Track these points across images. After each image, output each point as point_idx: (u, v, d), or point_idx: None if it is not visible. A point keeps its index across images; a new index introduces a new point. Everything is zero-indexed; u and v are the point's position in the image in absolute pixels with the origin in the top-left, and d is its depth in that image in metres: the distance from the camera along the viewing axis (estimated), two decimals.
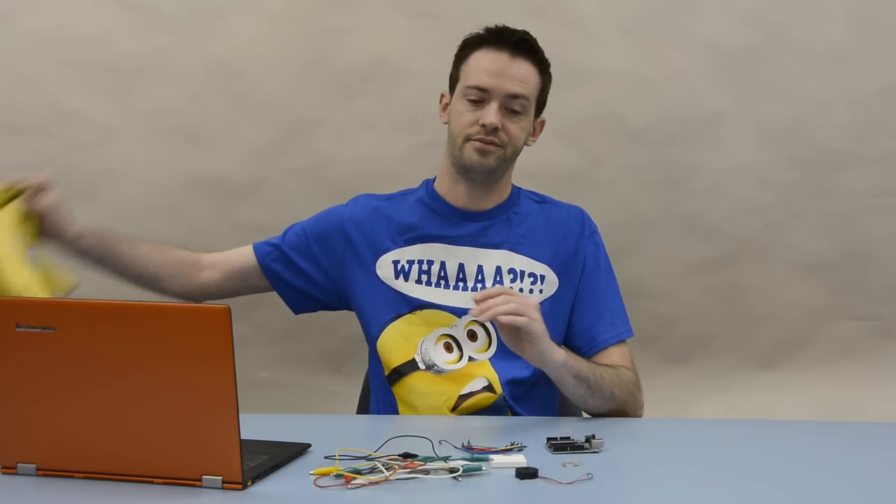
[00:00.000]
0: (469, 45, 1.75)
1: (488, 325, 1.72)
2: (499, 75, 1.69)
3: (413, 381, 1.74)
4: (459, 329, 1.72)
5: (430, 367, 1.72)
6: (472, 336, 1.73)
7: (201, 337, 1.16)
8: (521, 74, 1.71)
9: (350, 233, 1.82)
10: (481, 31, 1.75)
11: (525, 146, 1.78)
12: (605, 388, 1.64)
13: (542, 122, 1.83)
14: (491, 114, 1.68)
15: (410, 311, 1.75)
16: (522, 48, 1.72)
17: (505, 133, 1.70)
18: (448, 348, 1.72)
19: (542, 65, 1.76)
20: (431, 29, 2.55)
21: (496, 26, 1.75)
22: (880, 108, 2.68)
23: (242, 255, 1.88)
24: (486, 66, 1.71)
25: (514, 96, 1.70)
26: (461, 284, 1.76)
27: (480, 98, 1.70)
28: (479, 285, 1.74)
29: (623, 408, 1.67)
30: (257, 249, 1.87)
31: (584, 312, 1.76)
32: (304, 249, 1.85)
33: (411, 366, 1.74)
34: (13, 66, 2.57)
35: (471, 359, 1.71)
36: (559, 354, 1.57)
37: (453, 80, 1.79)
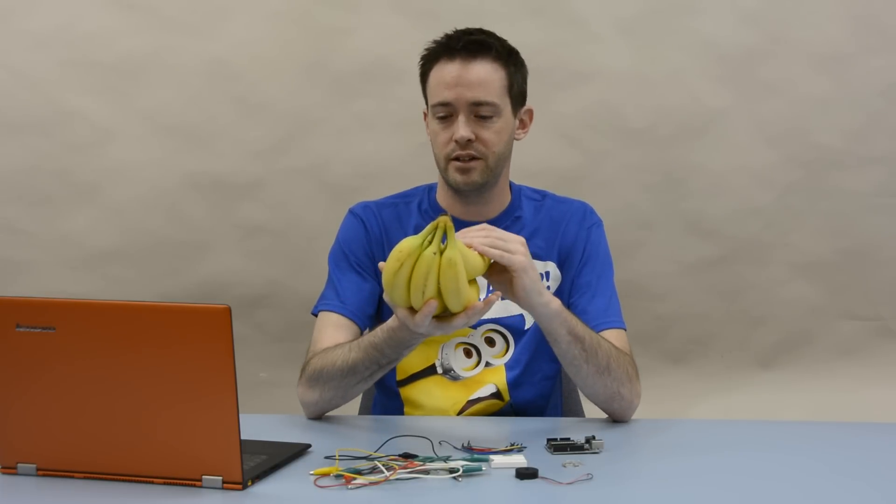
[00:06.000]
0: (426, 61, 1.70)
1: (505, 331, 1.73)
2: (456, 85, 1.63)
3: (426, 384, 1.73)
4: (477, 336, 1.73)
5: (447, 372, 1.73)
6: (490, 342, 1.73)
7: (201, 337, 1.16)
8: (479, 78, 1.64)
9: (370, 247, 1.77)
10: (433, 44, 1.70)
11: (515, 140, 1.74)
12: (602, 355, 1.55)
13: (530, 111, 1.76)
14: (460, 127, 1.64)
15: None
16: (474, 49, 1.65)
17: (480, 143, 1.65)
18: (468, 353, 1.73)
19: (503, 57, 1.67)
20: (431, 29, 2.53)
21: (446, 34, 1.69)
22: (880, 108, 2.68)
23: (350, 328, 1.72)
24: (444, 78, 1.65)
25: (478, 103, 1.64)
26: None
27: (448, 113, 1.66)
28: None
29: (619, 388, 1.58)
30: (348, 313, 1.71)
31: (577, 297, 1.73)
32: (360, 270, 1.75)
33: (429, 371, 1.74)
34: (13, 66, 2.57)
35: (488, 364, 1.72)
36: (551, 301, 1.50)
37: (425, 98, 1.74)
